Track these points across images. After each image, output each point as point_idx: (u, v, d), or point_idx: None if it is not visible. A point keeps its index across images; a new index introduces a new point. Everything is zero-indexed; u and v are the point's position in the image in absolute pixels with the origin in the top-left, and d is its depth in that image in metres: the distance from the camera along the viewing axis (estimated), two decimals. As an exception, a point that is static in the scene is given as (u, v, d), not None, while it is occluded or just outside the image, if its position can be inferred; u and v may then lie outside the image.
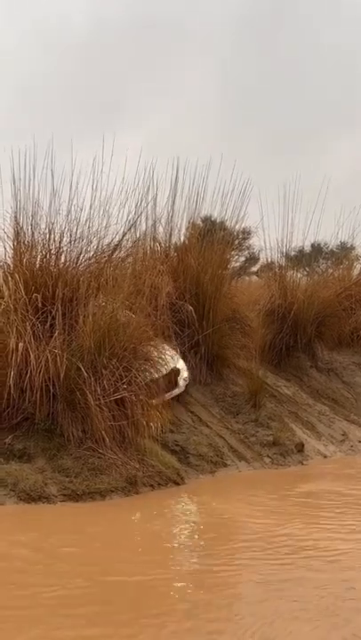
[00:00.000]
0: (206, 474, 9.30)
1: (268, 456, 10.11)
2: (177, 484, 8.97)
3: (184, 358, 10.69)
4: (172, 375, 10.24)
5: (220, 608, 5.48)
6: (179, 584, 6.14)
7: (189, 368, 11.03)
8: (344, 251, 17.39)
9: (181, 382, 10.38)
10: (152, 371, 9.89)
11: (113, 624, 5.13)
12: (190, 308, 11.10)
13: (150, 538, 7.19)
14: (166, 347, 10.61)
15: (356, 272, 15.82)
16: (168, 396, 9.96)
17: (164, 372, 10.03)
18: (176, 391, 10.20)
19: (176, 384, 10.30)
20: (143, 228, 11.56)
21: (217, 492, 8.76)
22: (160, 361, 10.17)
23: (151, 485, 8.73)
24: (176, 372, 10.36)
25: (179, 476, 9.09)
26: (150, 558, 6.60)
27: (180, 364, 10.48)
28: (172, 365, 10.30)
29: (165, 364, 10.29)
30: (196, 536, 7.46)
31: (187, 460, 9.61)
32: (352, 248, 16.70)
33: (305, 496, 8.85)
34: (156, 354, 9.64)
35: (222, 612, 5.53)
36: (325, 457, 10.68)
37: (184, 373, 10.50)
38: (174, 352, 10.55)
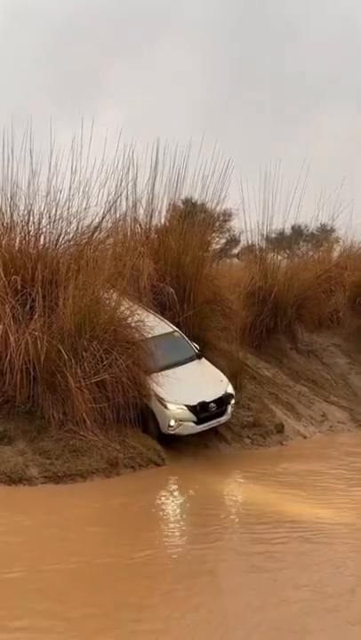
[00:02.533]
0: (188, 456, 9.34)
1: (248, 437, 10.19)
2: (158, 465, 9.01)
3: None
4: (225, 399, 9.80)
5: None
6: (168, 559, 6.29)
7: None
8: (324, 233, 17.44)
9: (229, 410, 9.95)
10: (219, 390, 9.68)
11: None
12: (171, 290, 11.07)
13: (133, 516, 7.27)
14: (217, 370, 10.29)
15: (335, 254, 15.89)
16: (215, 423, 9.68)
17: (221, 394, 9.73)
18: (224, 419, 9.83)
19: (225, 412, 9.82)
20: (123, 209, 11.46)
21: (197, 472, 8.82)
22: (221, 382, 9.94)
23: (132, 467, 8.77)
24: (229, 398, 9.92)
25: (160, 457, 9.12)
26: (138, 535, 6.71)
27: (230, 389, 10.09)
28: (225, 389, 9.90)
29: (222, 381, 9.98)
30: (178, 513, 7.54)
31: (167, 441, 9.64)
32: (332, 230, 16.79)
33: (283, 475, 8.97)
34: (138, 336, 9.59)
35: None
36: (305, 437, 10.79)
37: (232, 400, 10.10)
38: (223, 375, 10.22)
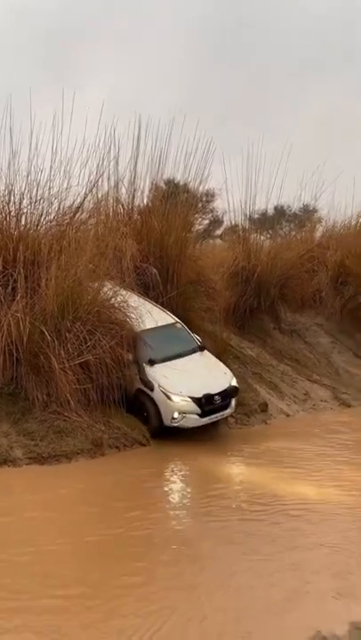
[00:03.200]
0: (174, 435, 9.35)
1: (232, 416, 10.24)
2: (143, 445, 9.04)
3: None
4: (230, 392, 9.67)
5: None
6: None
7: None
8: (307, 213, 17.47)
9: (233, 403, 9.83)
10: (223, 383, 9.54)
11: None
12: (155, 270, 11.03)
13: (119, 496, 7.31)
14: (220, 362, 10.16)
15: (318, 234, 15.93)
16: (219, 416, 9.53)
17: (226, 387, 9.58)
18: (227, 412, 9.69)
19: (229, 405, 9.68)
20: (105, 189, 11.36)
21: (182, 451, 8.86)
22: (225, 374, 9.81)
23: (117, 447, 8.79)
24: (235, 391, 9.80)
25: (144, 437, 9.16)
26: (123, 514, 6.75)
27: (234, 382, 9.96)
28: (230, 381, 9.78)
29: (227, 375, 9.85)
30: (164, 492, 7.59)
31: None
32: (314, 211, 16.81)
33: (267, 453, 9.04)
34: (120, 316, 9.56)
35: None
36: (288, 416, 10.89)
37: (236, 393, 9.95)
38: (226, 367, 10.13)
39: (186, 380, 9.38)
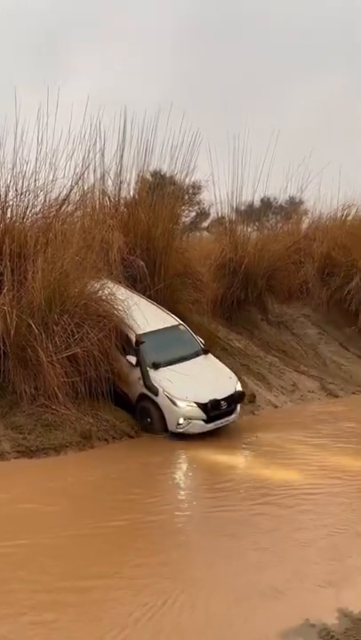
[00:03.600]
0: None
1: (220, 407, 10.27)
2: (131, 437, 9.06)
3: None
4: (236, 398, 9.40)
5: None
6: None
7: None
8: (293, 205, 17.50)
9: (238, 409, 9.61)
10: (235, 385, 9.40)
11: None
12: (142, 263, 11.01)
13: (108, 488, 7.32)
14: (224, 366, 9.97)
15: (304, 226, 15.97)
16: (224, 422, 9.30)
17: (232, 392, 9.38)
18: (232, 418, 9.46)
19: (234, 410, 9.41)
20: (91, 181, 11.31)
21: (171, 442, 8.88)
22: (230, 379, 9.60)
23: (106, 439, 8.79)
24: (240, 396, 9.57)
25: (133, 429, 9.17)
26: (114, 505, 6.77)
27: (239, 387, 9.67)
28: (235, 386, 9.53)
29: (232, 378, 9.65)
30: (153, 482, 7.60)
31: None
32: (301, 203, 16.84)
33: (255, 443, 9.08)
34: (108, 309, 9.53)
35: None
36: (276, 407, 10.93)
37: (243, 398, 9.70)
38: (230, 371, 9.89)
39: (191, 384, 9.16)
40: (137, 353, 9.33)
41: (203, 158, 12.30)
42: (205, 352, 9.99)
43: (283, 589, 5.31)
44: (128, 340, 9.49)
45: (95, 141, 11.06)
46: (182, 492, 7.44)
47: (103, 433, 8.83)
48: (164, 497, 7.27)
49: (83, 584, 5.32)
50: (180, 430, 8.99)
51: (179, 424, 8.99)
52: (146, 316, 9.73)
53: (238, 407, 9.51)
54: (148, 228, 11.45)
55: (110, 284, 9.93)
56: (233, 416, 9.45)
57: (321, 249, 14.42)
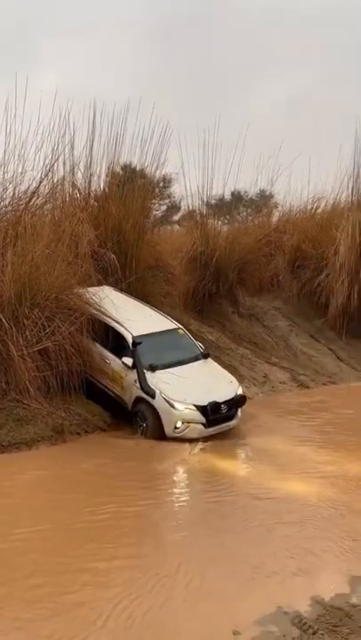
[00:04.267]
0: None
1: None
2: (104, 430, 9.04)
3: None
4: (237, 402, 9.05)
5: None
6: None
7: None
8: (263, 199, 17.58)
9: (239, 413, 9.14)
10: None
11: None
12: (113, 256, 10.95)
13: (81, 481, 7.29)
14: (225, 370, 9.70)
15: (275, 219, 16.06)
16: (224, 427, 8.87)
17: (233, 396, 9.00)
18: (233, 423, 9.02)
19: (235, 415, 9.03)
20: (61, 173, 11.20)
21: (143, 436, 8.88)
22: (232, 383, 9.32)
23: (78, 433, 8.75)
24: (242, 400, 9.14)
25: (105, 422, 9.15)
26: (88, 499, 6.75)
27: (241, 391, 9.33)
28: (237, 390, 9.20)
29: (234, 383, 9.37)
30: (125, 475, 7.58)
31: (112, 406, 9.67)
32: (271, 196, 16.93)
33: (225, 434, 9.10)
34: (79, 302, 9.46)
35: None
36: (248, 398, 10.97)
37: (244, 403, 9.25)
38: (231, 376, 9.64)
39: (190, 387, 8.85)
40: (133, 354, 9.02)
41: (173, 151, 12.30)
42: (205, 356, 9.71)
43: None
44: (124, 341, 9.20)
45: (64, 133, 10.98)
46: (152, 484, 7.42)
47: (75, 427, 8.79)
48: (131, 490, 7.20)
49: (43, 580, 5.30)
50: (178, 434, 8.62)
51: (176, 428, 8.62)
52: (143, 319, 9.58)
53: (239, 412, 9.18)
54: (119, 222, 11.40)
55: (107, 290, 9.93)
56: (234, 421, 9.08)
57: (291, 241, 14.54)
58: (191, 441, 8.56)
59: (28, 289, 9.03)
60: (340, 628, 4.74)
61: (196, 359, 9.56)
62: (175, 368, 9.10)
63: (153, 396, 8.73)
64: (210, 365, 9.70)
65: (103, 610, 4.85)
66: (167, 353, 9.31)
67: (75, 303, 9.39)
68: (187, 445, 8.51)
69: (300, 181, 14.60)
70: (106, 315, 9.47)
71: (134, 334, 9.14)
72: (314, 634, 4.66)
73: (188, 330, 11.73)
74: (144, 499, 6.89)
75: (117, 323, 9.36)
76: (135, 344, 9.02)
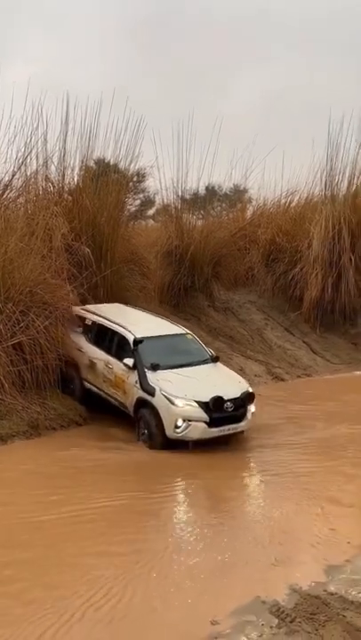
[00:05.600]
0: (108, 414, 9.32)
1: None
2: (79, 425, 9.00)
3: (83, 301, 10.53)
4: (244, 400, 8.31)
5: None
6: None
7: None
8: (237, 193, 17.65)
9: (250, 415, 8.41)
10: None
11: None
12: (87, 249, 10.87)
13: (56, 476, 7.23)
14: (235, 373, 9.17)
15: (249, 213, 16.14)
16: (232, 430, 8.20)
17: (239, 394, 8.29)
18: (243, 425, 8.31)
19: (244, 416, 8.30)
20: (34, 166, 11.07)
21: (118, 430, 8.80)
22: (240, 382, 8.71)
23: (54, 428, 8.69)
24: (249, 398, 8.38)
25: (81, 417, 9.11)
26: (64, 492, 6.70)
27: (250, 389, 8.60)
28: (245, 388, 8.50)
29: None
30: (100, 470, 7.54)
31: (90, 400, 9.63)
32: (245, 191, 17.00)
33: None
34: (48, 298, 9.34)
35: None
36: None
37: (252, 406, 8.48)
38: (242, 378, 9.07)
39: (192, 384, 8.27)
40: (134, 354, 8.56)
41: (147, 145, 12.25)
42: (215, 360, 9.15)
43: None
44: (127, 344, 8.75)
45: (37, 126, 10.86)
46: (124, 477, 7.39)
47: (51, 422, 8.74)
48: (105, 484, 7.14)
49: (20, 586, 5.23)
50: (179, 435, 7.99)
51: (177, 427, 7.97)
52: (149, 324, 9.37)
53: (250, 414, 8.42)
54: (94, 215, 11.32)
55: (119, 305, 9.96)
56: (243, 423, 8.34)
57: (266, 235, 14.64)
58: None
59: (2, 283, 8.93)
60: (318, 616, 4.79)
61: (204, 362, 9.00)
62: (180, 369, 8.58)
63: (152, 394, 8.16)
64: (218, 367, 9.16)
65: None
66: (172, 355, 8.81)
67: (50, 297, 9.30)
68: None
69: (274, 176, 14.71)
70: (109, 319, 9.28)
71: (137, 336, 8.72)
72: (292, 622, 4.70)
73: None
74: (108, 495, 6.85)
75: (120, 326, 9.07)
76: (136, 343, 8.59)
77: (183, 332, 9.54)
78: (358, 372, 12.76)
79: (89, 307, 9.96)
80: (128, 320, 9.32)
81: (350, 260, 13.45)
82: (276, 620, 4.72)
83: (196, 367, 8.81)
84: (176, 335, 9.33)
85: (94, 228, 11.23)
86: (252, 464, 8.07)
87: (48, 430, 8.58)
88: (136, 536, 6.01)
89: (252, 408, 8.43)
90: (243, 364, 12.01)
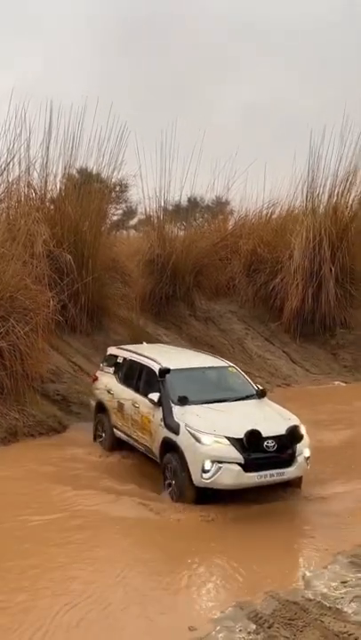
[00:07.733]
0: (89, 421, 9.26)
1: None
2: (58, 432, 8.95)
3: (64, 308, 10.48)
4: (290, 438, 6.63)
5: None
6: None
7: (70, 318, 10.85)
8: (219, 205, 17.75)
9: (302, 459, 6.70)
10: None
11: None
12: (69, 256, 10.85)
13: (34, 481, 7.16)
14: (285, 410, 7.22)
15: (231, 224, 16.24)
16: (277, 477, 6.59)
17: (284, 431, 6.63)
18: (292, 471, 6.64)
19: (293, 459, 6.62)
20: (16, 172, 11.05)
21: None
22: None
23: (32, 435, 8.64)
24: (295, 434, 6.67)
25: (60, 424, 9.06)
26: (40, 499, 6.64)
27: (302, 429, 6.82)
28: (290, 423, 6.81)
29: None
30: (77, 476, 7.48)
31: (68, 408, 9.57)
32: (227, 203, 17.10)
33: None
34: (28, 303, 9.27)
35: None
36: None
37: (306, 450, 6.77)
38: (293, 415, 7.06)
39: (225, 419, 6.82)
40: (160, 386, 7.31)
41: (131, 154, 12.30)
42: (261, 395, 7.63)
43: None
44: (152, 375, 7.57)
45: (20, 132, 10.86)
46: (100, 483, 7.32)
47: (29, 428, 8.69)
48: (81, 490, 7.07)
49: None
50: (208, 482, 6.42)
51: (205, 472, 6.41)
52: (184, 357, 8.39)
53: (304, 456, 6.72)
54: (76, 222, 11.34)
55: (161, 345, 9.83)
56: (292, 468, 6.64)
57: (247, 246, 14.73)
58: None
59: (-19, 288, 8.86)
60: (296, 622, 4.77)
61: (247, 398, 7.55)
62: (215, 404, 7.16)
63: (177, 432, 6.76)
64: (264, 403, 7.55)
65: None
66: (208, 390, 7.51)
67: (31, 303, 9.25)
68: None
69: (256, 187, 14.83)
70: (140, 354, 8.19)
71: (164, 365, 7.51)
72: (270, 627, 4.67)
73: (145, 332, 11.75)
74: (87, 500, 6.78)
75: (149, 358, 7.89)
76: (163, 373, 7.36)
77: (224, 364, 8.19)
78: (337, 382, 12.86)
79: (127, 346, 9.00)
80: (162, 354, 8.29)
81: (330, 270, 13.58)
82: (255, 626, 4.70)
83: (236, 402, 7.37)
84: (214, 368, 8.02)
85: (76, 235, 11.23)
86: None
87: (27, 437, 8.51)
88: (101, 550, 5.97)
89: (305, 451, 6.77)
90: (223, 373, 12.02)
